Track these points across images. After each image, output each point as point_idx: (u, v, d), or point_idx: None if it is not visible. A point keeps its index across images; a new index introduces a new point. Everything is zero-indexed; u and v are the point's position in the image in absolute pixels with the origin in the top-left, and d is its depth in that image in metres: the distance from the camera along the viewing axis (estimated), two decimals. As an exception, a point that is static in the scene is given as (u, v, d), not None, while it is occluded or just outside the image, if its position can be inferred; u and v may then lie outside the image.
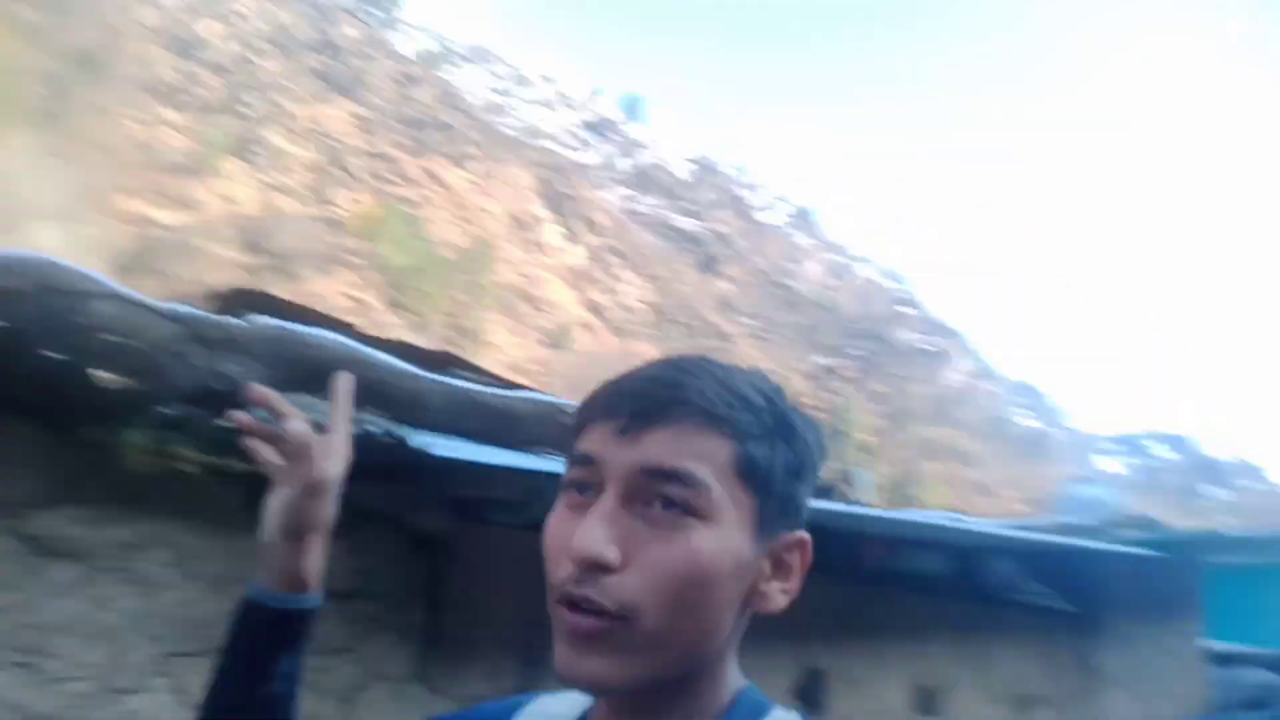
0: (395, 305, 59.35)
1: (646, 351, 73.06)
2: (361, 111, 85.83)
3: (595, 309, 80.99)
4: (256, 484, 0.80)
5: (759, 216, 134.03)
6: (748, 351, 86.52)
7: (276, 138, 73.94)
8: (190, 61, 79.95)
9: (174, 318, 1.79)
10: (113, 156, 60.66)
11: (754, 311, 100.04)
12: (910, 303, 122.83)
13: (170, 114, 71.58)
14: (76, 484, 1.91)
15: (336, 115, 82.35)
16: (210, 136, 68.05)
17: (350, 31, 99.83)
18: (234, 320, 1.91)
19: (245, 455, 0.77)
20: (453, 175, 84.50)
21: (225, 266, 53.20)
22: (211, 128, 70.88)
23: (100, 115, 64.89)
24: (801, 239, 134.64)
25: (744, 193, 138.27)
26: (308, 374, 1.73)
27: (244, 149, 70.70)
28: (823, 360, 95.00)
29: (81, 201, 48.84)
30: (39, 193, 41.47)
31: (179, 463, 2.02)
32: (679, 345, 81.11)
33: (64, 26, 69.49)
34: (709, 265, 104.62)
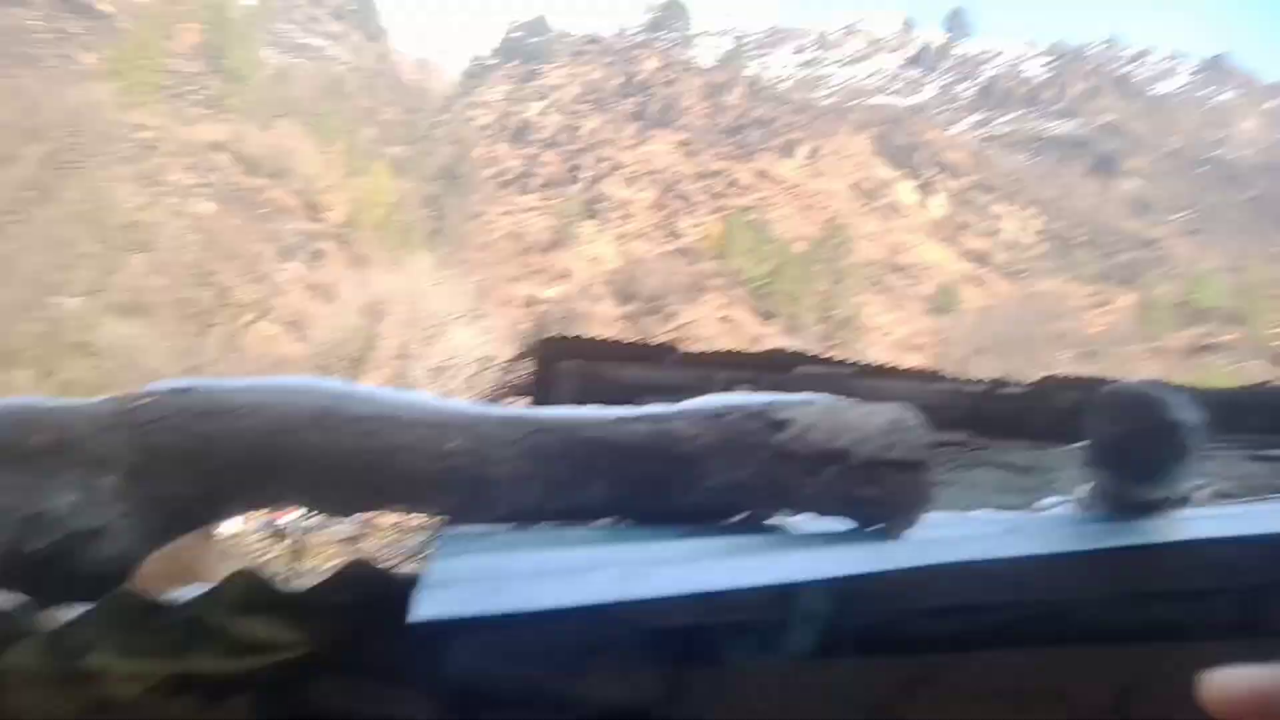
0: (765, 314, 60.09)
1: (1052, 289, 64.81)
2: (682, 137, 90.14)
3: (978, 258, 74.28)
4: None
5: (1154, 89, 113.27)
6: (1186, 253, 72.35)
7: (616, 189, 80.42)
8: (526, 145, 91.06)
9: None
10: (491, 252, 70.92)
11: (1179, 203, 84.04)
12: None
13: (524, 199, 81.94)
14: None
15: (661, 149, 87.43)
16: (562, 208, 76.42)
17: (651, 64, 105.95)
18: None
19: None
20: (783, 168, 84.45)
21: (606, 322, 58.76)
22: (560, 199, 79.65)
23: (473, 219, 76.35)
24: (1223, 97, 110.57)
25: (1125, 68, 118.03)
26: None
27: (592, 210, 78.01)
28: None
29: (479, 299, 56.97)
30: (444, 301, 48.98)
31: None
32: (1092, 271, 70.74)
33: (426, 152, 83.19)
34: (1105, 166, 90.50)
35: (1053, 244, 75.94)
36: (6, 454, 1.14)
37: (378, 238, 63.81)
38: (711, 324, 57.31)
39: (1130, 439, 1.26)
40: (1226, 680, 0.34)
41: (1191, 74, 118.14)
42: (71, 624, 1.09)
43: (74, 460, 1.15)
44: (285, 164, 65.48)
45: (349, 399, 1.26)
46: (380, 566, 1.20)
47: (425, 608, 1.01)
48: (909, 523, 1.36)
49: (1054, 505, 1.58)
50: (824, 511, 1.43)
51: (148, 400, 1.21)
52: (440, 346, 44.05)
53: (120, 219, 52.50)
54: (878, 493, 1.31)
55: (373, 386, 1.33)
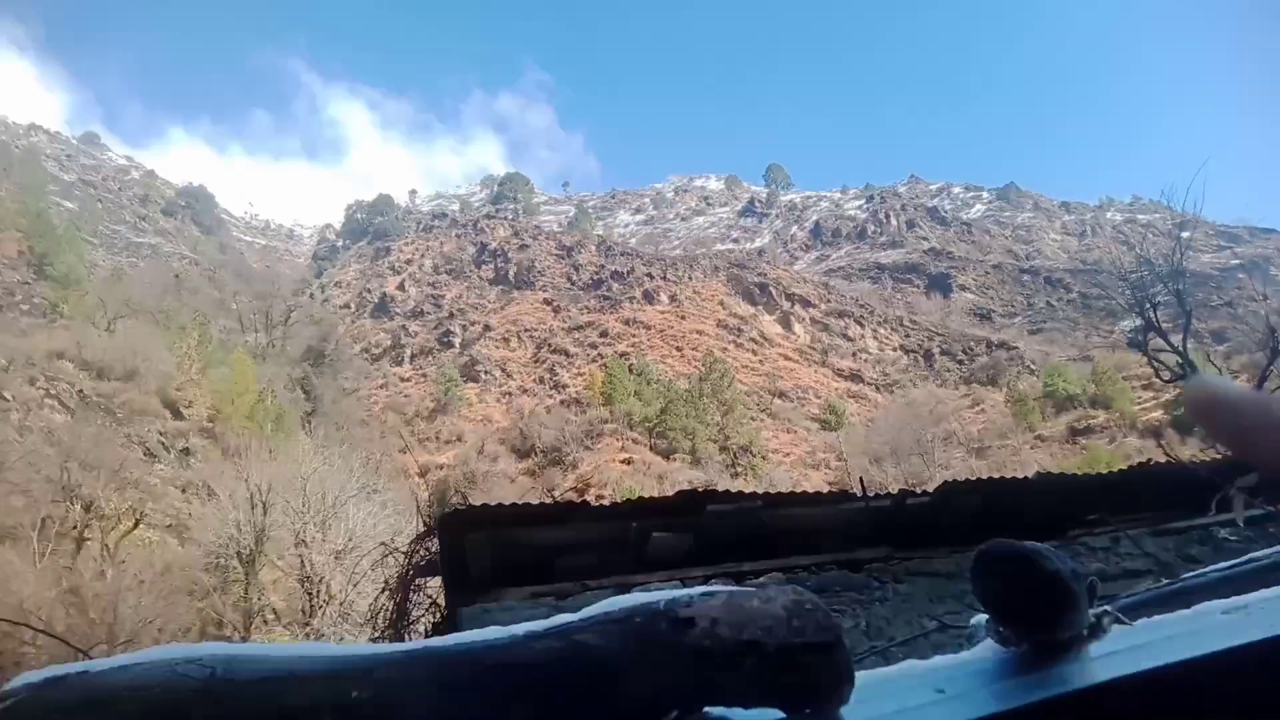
0: (665, 451, 61.43)
1: (926, 396, 70.53)
2: (546, 295, 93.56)
3: (851, 375, 79.95)
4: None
5: (962, 215, 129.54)
6: (1035, 349, 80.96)
7: (491, 350, 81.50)
8: (391, 319, 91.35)
9: None
10: (374, 426, 69.25)
11: (1014, 308, 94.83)
12: None
13: (399, 370, 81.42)
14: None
15: (528, 308, 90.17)
16: (440, 374, 76.41)
17: (501, 232, 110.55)
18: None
19: None
20: (649, 314, 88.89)
21: (508, 479, 58.16)
22: (435, 366, 79.67)
23: (348, 396, 74.68)
24: (1023, 216, 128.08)
25: (933, 201, 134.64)
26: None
27: (471, 372, 78.40)
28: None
29: (370, 474, 55.15)
30: (334, 481, 47.30)
31: None
32: (956, 376, 77.80)
33: (287, 335, 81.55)
34: (939, 284, 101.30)
35: (913, 356, 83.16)
36: None
37: (249, 427, 61.08)
38: (615, 467, 57.97)
39: (1013, 596, 1.36)
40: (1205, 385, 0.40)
41: (989, 201, 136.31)
42: None
43: None
44: (135, 365, 62.32)
45: (238, 663, 1.19)
46: None
47: None
48: (838, 701, 1.29)
49: (980, 627, 1.46)
50: (749, 704, 1.33)
51: (15, 700, 1.05)
52: (338, 529, 42.13)
53: (-44, 441, 47.91)
54: (798, 678, 1.26)
55: (259, 645, 1.21)
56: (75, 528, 42.93)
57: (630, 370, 72.92)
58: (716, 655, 1.23)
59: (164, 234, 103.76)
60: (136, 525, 45.89)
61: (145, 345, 64.75)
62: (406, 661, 1.19)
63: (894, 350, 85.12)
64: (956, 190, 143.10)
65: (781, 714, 1.27)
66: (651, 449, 62.37)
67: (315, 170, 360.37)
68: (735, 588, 1.34)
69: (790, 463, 61.39)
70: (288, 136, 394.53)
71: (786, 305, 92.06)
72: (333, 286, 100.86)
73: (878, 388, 77.55)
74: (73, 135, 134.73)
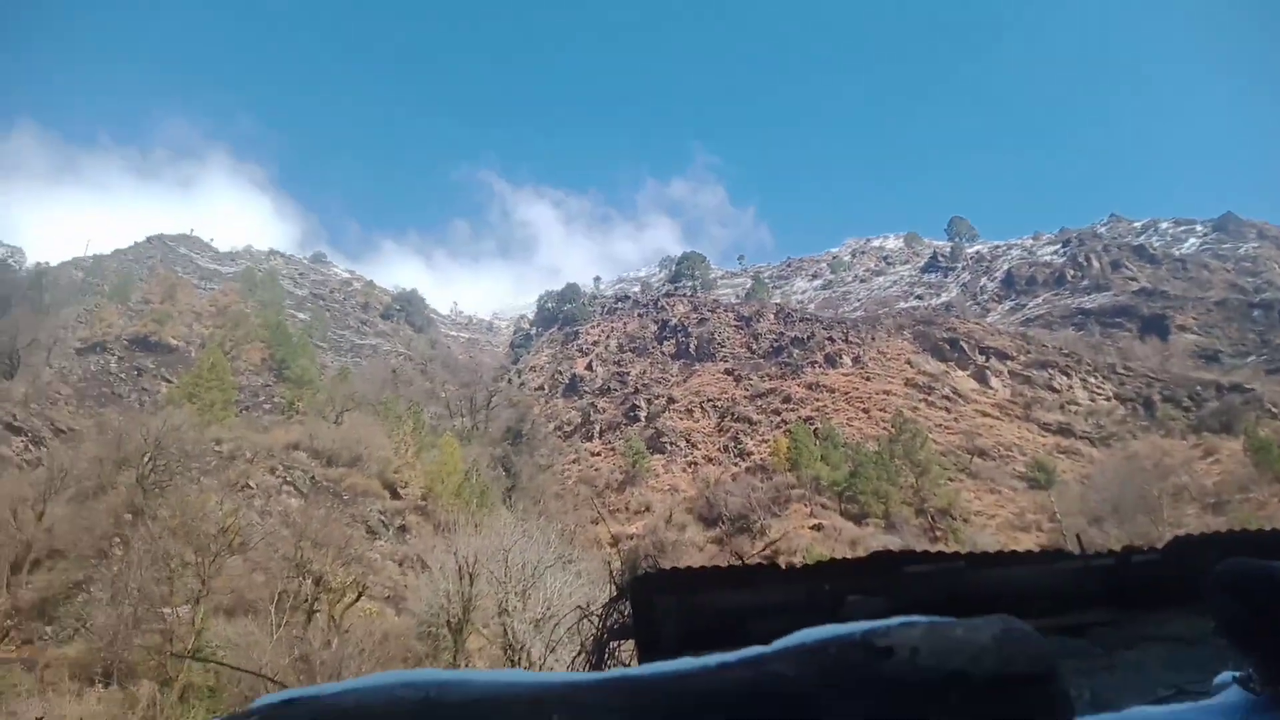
0: (856, 517, 59.32)
1: (1149, 448, 63.83)
2: (726, 365, 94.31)
3: (1060, 429, 74.14)
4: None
5: (1175, 251, 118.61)
6: (1274, 392, 71.77)
7: (676, 421, 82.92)
8: (580, 397, 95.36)
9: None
10: (568, 499, 71.87)
11: (1245, 348, 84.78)
12: None
13: (589, 445, 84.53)
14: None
15: (710, 380, 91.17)
16: (627, 447, 78.60)
17: (680, 308, 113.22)
18: None
19: None
20: (832, 378, 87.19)
21: (696, 547, 58.21)
22: (623, 440, 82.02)
23: (544, 472, 78.05)
24: (1246, 247, 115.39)
25: (1139, 239, 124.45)
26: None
27: (657, 444, 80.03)
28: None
29: (565, 545, 56.98)
30: (532, 553, 49.16)
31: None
32: (1183, 425, 69.96)
33: (489, 419, 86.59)
34: (1154, 326, 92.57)
35: (1130, 405, 76.10)
36: None
37: (457, 504, 65.24)
38: (804, 533, 56.56)
39: (1258, 619, 1.18)
40: None
41: (1204, 234, 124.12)
42: None
43: None
44: (358, 452, 68.64)
45: (448, 688, 1.30)
46: None
47: None
48: None
49: (1227, 684, 1.45)
50: None
51: (255, 718, 1.25)
52: (537, 597, 43.59)
53: (213, 527, 54.46)
54: (1010, 712, 1.22)
55: (469, 671, 1.39)
56: (306, 600, 47.26)
57: (815, 435, 71.55)
58: (917, 687, 1.22)
59: (382, 335, 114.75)
60: (359, 597, 49.76)
61: (367, 434, 71.28)
62: (603, 688, 1.32)
63: (1108, 400, 78.21)
64: (1164, 225, 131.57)
65: None
66: (842, 514, 60.49)
67: (510, 267, 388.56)
68: (938, 618, 1.35)
69: (996, 525, 57.36)
70: (484, 240, 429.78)
71: (981, 359, 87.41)
72: (528, 371, 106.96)
73: (1091, 441, 71.27)
74: (304, 256, 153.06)
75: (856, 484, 61.63)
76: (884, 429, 71.86)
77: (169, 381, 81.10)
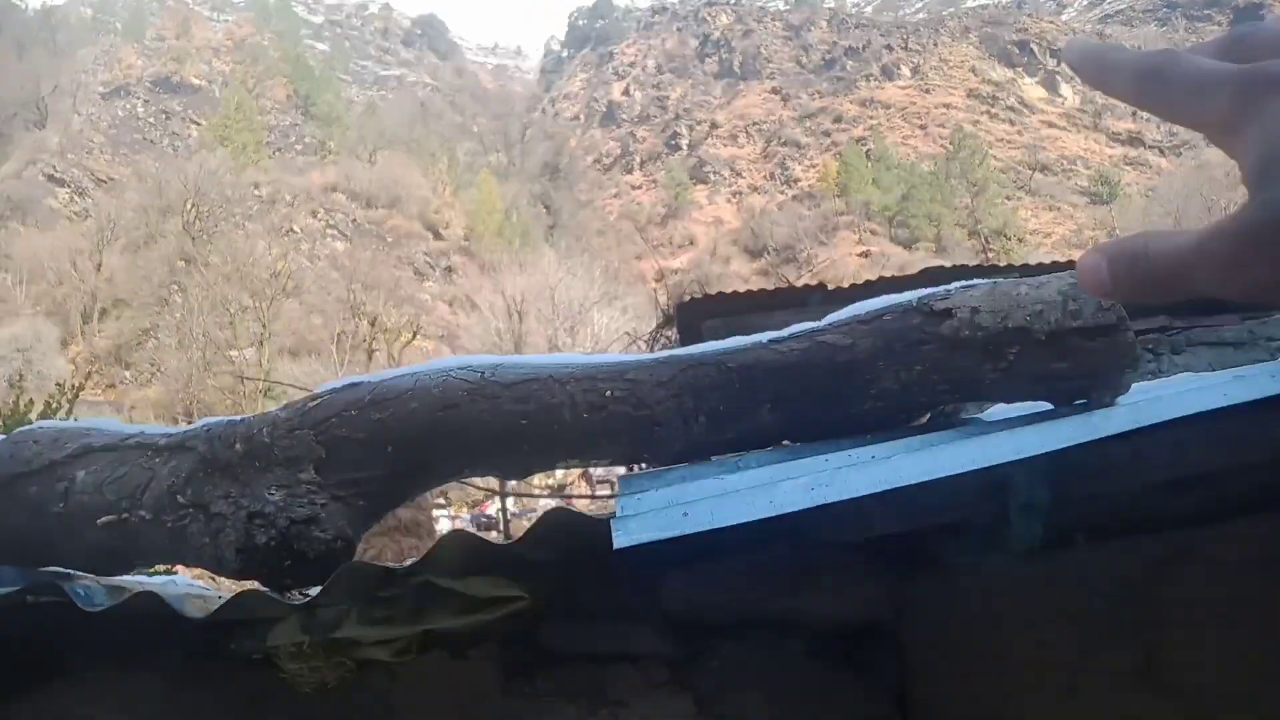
0: (907, 242, 58.24)
1: (1222, 158, 59.84)
2: (774, 84, 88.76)
3: (1129, 139, 69.84)
4: None
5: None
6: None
7: (719, 149, 79.94)
8: (618, 126, 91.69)
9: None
10: (611, 235, 71.67)
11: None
12: None
13: (630, 178, 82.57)
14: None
15: (755, 101, 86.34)
16: (669, 178, 76.62)
17: (723, 19, 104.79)
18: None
19: None
20: (888, 93, 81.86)
21: (741, 279, 58.39)
22: (664, 171, 79.82)
23: (585, 207, 77.18)
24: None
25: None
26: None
27: (700, 174, 77.83)
28: None
29: (610, 281, 57.66)
30: (578, 290, 49.90)
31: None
32: None
33: (524, 153, 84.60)
34: (1251, 14, 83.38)
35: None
36: (214, 466, 1.30)
37: (499, 243, 65.61)
38: (852, 262, 56.04)
39: None
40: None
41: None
42: (316, 601, 1.22)
43: (271, 462, 1.29)
44: (397, 192, 68.13)
45: (503, 368, 1.33)
46: (576, 512, 1.24)
47: (620, 538, 1.08)
48: (1116, 391, 1.20)
49: None
50: (1014, 397, 1.30)
51: (322, 399, 1.34)
52: (585, 333, 44.84)
53: (265, 271, 55.87)
54: (1072, 365, 1.20)
55: (525, 355, 1.32)
56: (365, 340, 49.37)
57: (868, 157, 68.63)
58: (976, 345, 1.22)
59: (406, 64, 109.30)
60: (415, 336, 51.81)
61: (403, 174, 70.38)
62: (656, 365, 1.35)
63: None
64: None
65: (1049, 405, 1.24)
66: (892, 239, 59.45)
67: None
68: (1001, 279, 1.32)
69: (1052, 244, 55.91)
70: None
71: (1051, 63, 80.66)
72: (561, 99, 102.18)
73: (1162, 151, 67.13)
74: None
75: (908, 207, 59.92)
76: (942, 147, 68.55)
77: (198, 124, 79.69)
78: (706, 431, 1.34)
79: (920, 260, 54.82)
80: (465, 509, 24.88)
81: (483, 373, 1.31)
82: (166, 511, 1.28)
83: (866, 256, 57.17)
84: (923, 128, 75.45)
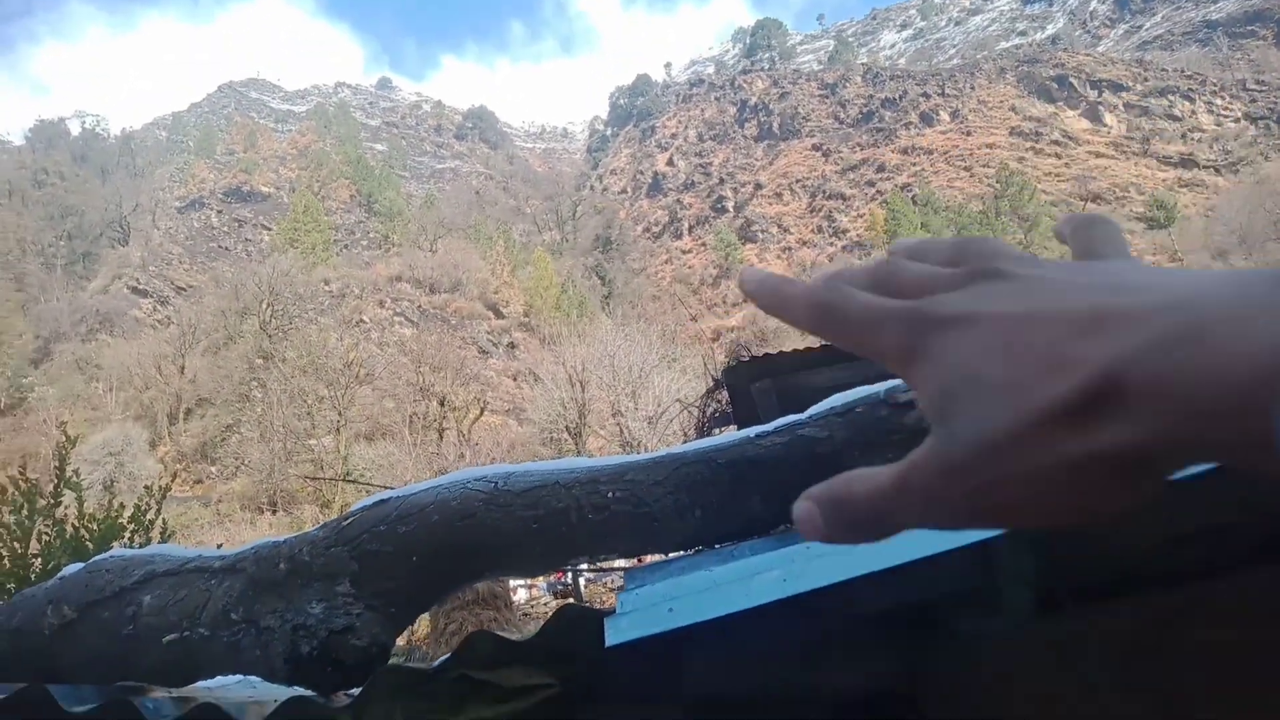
0: (963, 283, 57.06)
1: None
2: (813, 141, 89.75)
3: (1181, 161, 68.38)
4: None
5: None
6: None
7: (765, 208, 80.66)
8: (664, 195, 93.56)
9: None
10: (665, 299, 72.50)
11: None
12: None
13: (679, 243, 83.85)
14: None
15: (795, 159, 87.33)
16: (718, 240, 77.59)
17: (759, 85, 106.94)
18: None
19: None
20: (928, 139, 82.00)
21: (799, 334, 58.26)
22: (712, 234, 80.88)
23: (637, 276, 78.28)
24: None
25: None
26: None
27: (748, 234, 78.62)
28: None
29: (668, 344, 58.01)
30: (637, 355, 50.27)
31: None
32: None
33: (576, 229, 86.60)
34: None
35: (1262, 124, 68.97)
36: (262, 584, 1.43)
37: (558, 316, 66.89)
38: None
39: None
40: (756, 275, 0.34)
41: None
42: (357, 702, 1.30)
43: (311, 577, 1.42)
44: (458, 276, 70.28)
45: (514, 477, 1.47)
46: (587, 607, 1.33)
47: (612, 636, 1.16)
48: None
49: None
50: None
51: (354, 518, 1.48)
52: (647, 396, 44.92)
53: (339, 361, 57.84)
54: None
55: (533, 462, 1.53)
56: (435, 420, 50.47)
57: (914, 202, 68.45)
58: None
59: (459, 156, 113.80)
60: (482, 413, 52.76)
61: (463, 258, 72.70)
62: (652, 465, 1.47)
63: (1236, 121, 70.95)
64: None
65: None
66: (945, 281, 58.75)
67: (575, 64, 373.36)
68: None
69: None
70: (544, 39, 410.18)
71: (1093, 94, 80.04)
72: (608, 175, 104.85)
73: (1217, 170, 65.52)
74: (369, 84, 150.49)
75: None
76: (988, 186, 68.06)
77: (268, 229, 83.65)
78: (703, 523, 1.46)
79: (977, 300, 53.97)
80: (541, 578, 24.83)
81: (496, 483, 1.45)
82: (222, 628, 1.43)
83: (922, 300, 56.53)
84: (967, 169, 75.13)
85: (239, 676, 1.72)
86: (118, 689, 1.41)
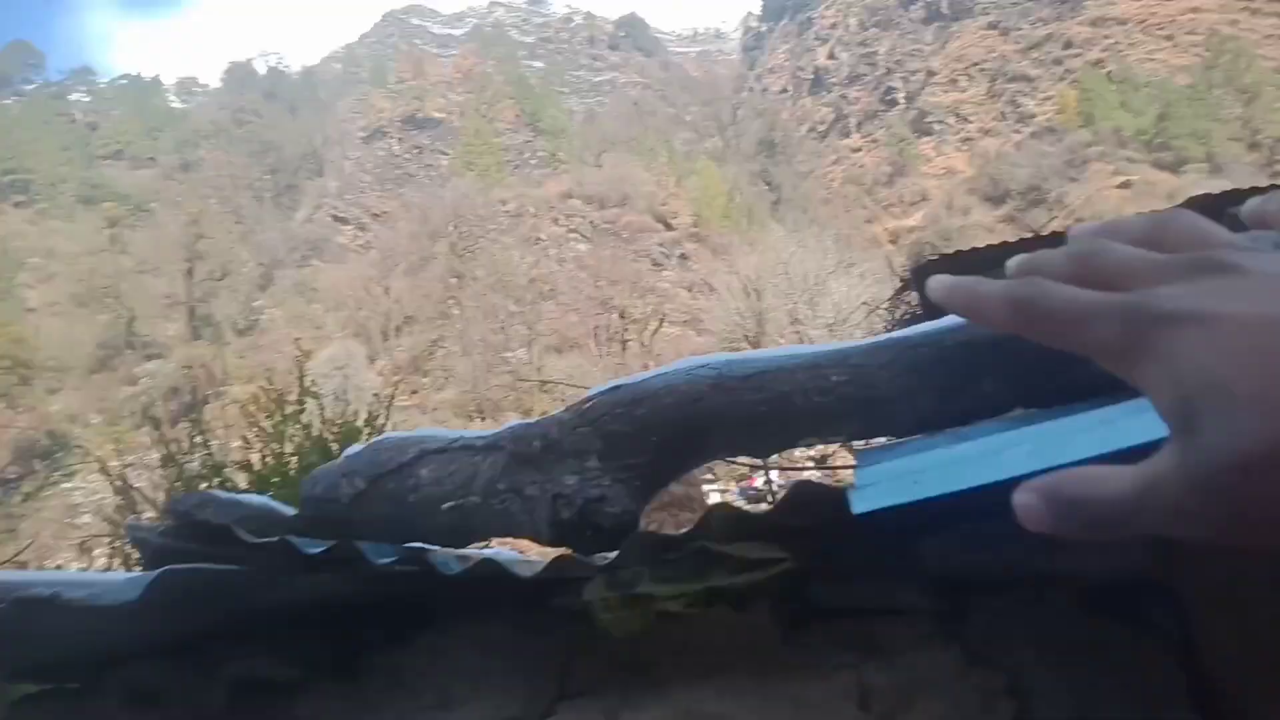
0: (1173, 165, 52.68)
1: None
2: (989, 19, 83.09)
3: None
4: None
5: None
6: None
7: (940, 96, 76.17)
8: (828, 91, 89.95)
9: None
10: (838, 202, 70.81)
11: None
12: None
13: (847, 141, 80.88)
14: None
15: (970, 40, 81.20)
16: (890, 136, 74.34)
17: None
18: None
19: None
20: (1123, 7, 73.98)
21: (986, 229, 55.71)
22: (883, 129, 77.53)
23: (806, 179, 76.76)
24: None
25: None
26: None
27: (923, 126, 74.76)
28: None
29: (844, 249, 57.09)
30: (812, 262, 49.82)
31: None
32: None
33: (738, 134, 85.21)
34: None
35: None
36: (521, 459, 1.60)
37: (728, 225, 66.92)
38: (1111, 195, 51.67)
39: None
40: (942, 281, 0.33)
41: None
42: (616, 563, 1.45)
43: (563, 454, 1.57)
44: (625, 190, 71.28)
45: (736, 364, 1.53)
46: (821, 483, 1.38)
47: (858, 505, 1.13)
48: None
49: None
50: None
51: (593, 401, 1.60)
52: (825, 304, 44.62)
53: (523, 278, 60.81)
54: None
55: (758, 350, 1.60)
56: (618, 333, 52.58)
57: (1110, 79, 62.72)
58: None
59: (615, 67, 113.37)
60: (662, 324, 54.29)
61: (628, 172, 73.54)
62: (875, 349, 1.54)
63: None
64: None
65: None
66: (1154, 165, 54.08)
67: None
68: None
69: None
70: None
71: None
72: (767, 74, 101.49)
73: None
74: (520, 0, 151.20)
75: (1169, 128, 54.18)
76: (1196, 56, 61.21)
77: (444, 154, 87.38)
78: (935, 406, 1.46)
79: (1190, 185, 49.51)
80: (733, 483, 26.14)
81: (719, 369, 1.53)
82: (492, 496, 1.60)
83: (1127, 187, 52.43)
84: (1169, 39, 67.64)
85: (495, 550, 2.09)
86: (410, 547, 1.65)
